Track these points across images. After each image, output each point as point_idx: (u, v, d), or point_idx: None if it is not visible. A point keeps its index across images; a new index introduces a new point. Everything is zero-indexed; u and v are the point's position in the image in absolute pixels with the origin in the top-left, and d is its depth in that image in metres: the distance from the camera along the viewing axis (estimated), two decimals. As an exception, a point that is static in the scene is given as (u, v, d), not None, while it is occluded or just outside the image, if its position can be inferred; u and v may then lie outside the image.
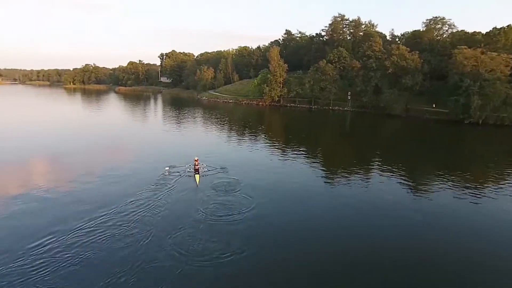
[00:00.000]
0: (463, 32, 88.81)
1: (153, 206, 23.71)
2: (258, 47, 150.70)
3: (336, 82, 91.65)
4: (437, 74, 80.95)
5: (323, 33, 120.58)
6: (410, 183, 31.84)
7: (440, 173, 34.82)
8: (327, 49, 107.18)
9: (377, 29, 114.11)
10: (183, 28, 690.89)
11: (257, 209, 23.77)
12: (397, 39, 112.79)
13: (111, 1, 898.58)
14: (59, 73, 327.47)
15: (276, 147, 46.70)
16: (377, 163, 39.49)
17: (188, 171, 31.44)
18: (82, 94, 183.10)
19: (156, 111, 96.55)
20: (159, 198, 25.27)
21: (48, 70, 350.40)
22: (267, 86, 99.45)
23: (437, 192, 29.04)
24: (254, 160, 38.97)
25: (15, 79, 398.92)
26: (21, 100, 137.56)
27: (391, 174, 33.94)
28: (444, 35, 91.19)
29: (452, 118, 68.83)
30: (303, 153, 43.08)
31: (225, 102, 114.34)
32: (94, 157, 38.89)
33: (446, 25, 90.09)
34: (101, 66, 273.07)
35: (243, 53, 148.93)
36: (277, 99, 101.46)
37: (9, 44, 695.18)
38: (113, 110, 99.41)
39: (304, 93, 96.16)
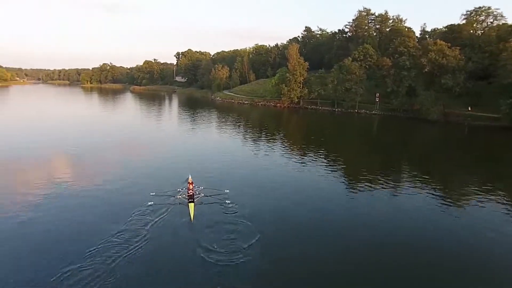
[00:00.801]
0: (508, 24, 76.62)
1: (110, 272, 15.10)
2: (276, 45, 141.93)
3: (363, 82, 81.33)
4: (479, 73, 69.89)
5: (346, 29, 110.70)
6: (445, 198, 25.76)
7: (486, 188, 27.69)
8: (351, 46, 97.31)
9: (405, 25, 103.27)
10: (200, 27, 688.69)
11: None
12: (427, 36, 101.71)
13: (130, 1, 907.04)
14: (78, 72, 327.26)
15: (294, 157, 38.54)
16: (408, 174, 33.13)
17: (180, 197, 23.28)
18: (93, 93, 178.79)
19: (164, 113, 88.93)
20: (130, 250, 16.84)
21: (69, 69, 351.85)
22: (285, 86, 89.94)
23: (478, 210, 23.62)
24: (267, 174, 31.19)
25: (38, 79, 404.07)
26: (24, 99, 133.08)
27: (424, 186, 27.94)
28: (487, 28, 79.25)
29: (506, 124, 57.83)
30: (326, 163, 35.64)
31: (240, 103, 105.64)
32: (75, 170, 31.34)
33: (491, 16, 78.27)
34: (118, 65, 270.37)
35: (260, 51, 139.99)
36: (296, 100, 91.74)
37: (34, 46, 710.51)
38: (122, 112, 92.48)
39: (326, 94, 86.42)
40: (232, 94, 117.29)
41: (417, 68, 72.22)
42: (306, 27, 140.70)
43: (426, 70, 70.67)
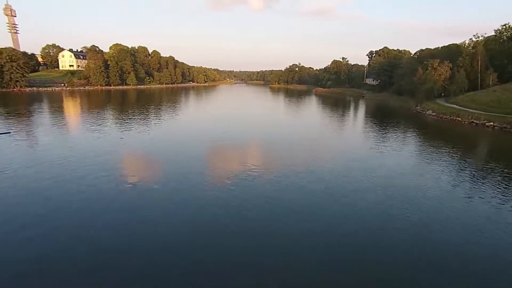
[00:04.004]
0: None
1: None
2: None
3: None
4: None
5: None
6: None
7: None
8: None
9: None
10: (397, 25, 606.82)
11: None
12: None
13: (331, 6, 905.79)
14: (272, 73, 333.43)
15: None
16: None
17: None
18: (279, 93, 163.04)
19: (344, 128, 54.22)
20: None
21: (265, 71, 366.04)
22: None
23: None
24: None
25: (242, 79, 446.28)
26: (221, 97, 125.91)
27: None
28: None
29: None
30: None
31: (476, 124, 56.56)
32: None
33: None
34: (307, 66, 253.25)
35: (507, 35, 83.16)
36: None
37: (241, 51, 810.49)
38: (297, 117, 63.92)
39: None
40: (455, 106, 69.35)
41: None
42: None
43: None
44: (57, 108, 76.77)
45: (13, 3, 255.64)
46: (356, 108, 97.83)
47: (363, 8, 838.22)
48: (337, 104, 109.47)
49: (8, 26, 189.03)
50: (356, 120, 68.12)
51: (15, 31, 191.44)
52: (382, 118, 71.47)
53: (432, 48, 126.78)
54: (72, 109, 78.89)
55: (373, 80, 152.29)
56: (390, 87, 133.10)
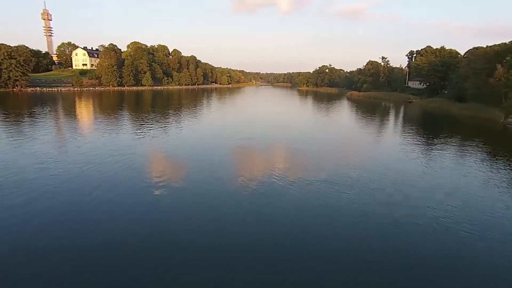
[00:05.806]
0: None
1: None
2: None
3: None
4: None
5: None
6: None
7: None
8: None
9: None
10: (430, 24, 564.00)
11: None
12: None
13: (361, 7, 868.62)
14: (300, 75, 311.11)
15: None
16: None
17: None
18: (303, 98, 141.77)
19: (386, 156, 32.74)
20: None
21: (292, 73, 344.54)
22: None
23: None
24: None
25: (268, 81, 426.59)
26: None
27: None
28: None
29: None
30: None
31: None
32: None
33: None
34: (337, 68, 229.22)
35: None
36: None
37: (266, 53, 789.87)
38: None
39: None
40: None
41: None
42: None
43: None
44: (47, 112, 60.14)
45: (40, 3, 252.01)
46: (409, 119, 74.75)
47: (393, 9, 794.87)
48: (382, 113, 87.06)
49: (44, 30, 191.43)
50: (420, 139, 45.58)
51: (50, 34, 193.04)
52: (457, 137, 48.39)
53: (485, 46, 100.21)
54: (64, 112, 62.18)
55: (420, 83, 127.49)
56: (441, 92, 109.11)
